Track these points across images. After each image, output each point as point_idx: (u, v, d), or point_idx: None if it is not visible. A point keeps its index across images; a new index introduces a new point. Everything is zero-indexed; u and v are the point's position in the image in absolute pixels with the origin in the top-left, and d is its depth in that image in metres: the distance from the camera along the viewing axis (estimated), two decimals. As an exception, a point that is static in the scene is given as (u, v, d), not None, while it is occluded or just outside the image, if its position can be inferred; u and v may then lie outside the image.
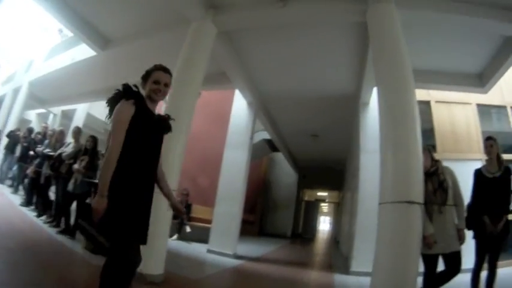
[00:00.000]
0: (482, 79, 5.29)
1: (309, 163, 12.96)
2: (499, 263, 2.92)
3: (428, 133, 5.98)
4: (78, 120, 10.43)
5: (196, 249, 5.83)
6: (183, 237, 6.55)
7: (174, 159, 3.33)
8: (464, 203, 2.82)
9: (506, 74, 4.96)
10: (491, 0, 3.50)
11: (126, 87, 1.64)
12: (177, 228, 6.49)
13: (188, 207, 7.19)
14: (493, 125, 6.79)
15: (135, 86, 1.67)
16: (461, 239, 2.66)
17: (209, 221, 6.19)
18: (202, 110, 6.11)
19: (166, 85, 1.71)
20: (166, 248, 3.32)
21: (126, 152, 1.51)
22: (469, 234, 2.85)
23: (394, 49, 3.09)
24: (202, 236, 6.30)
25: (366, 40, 3.89)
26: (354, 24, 3.89)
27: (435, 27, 4.07)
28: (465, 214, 2.81)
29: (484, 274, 2.91)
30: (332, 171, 12.74)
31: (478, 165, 3.22)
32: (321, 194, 18.42)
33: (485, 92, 5.51)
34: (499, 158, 3.03)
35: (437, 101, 6.40)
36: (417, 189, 2.58)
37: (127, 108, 1.55)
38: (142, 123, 1.58)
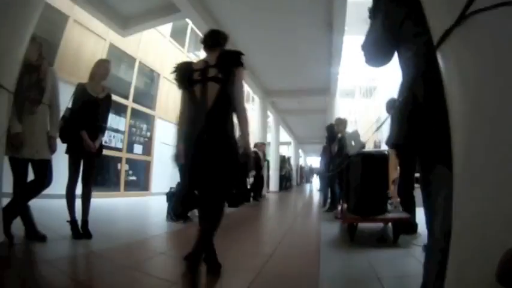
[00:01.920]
0: (126, 23, 5.61)
1: None
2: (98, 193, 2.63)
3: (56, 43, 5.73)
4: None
5: None
6: None
7: None
8: (61, 112, 2.63)
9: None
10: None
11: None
12: None
13: None
14: (120, 71, 7.68)
15: None
16: (51, 148, 2.49)
17: None
18: None
19: None
20: None
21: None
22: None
23: None
24: None
25: None
26: None
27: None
28: (61, 124, 2.65)
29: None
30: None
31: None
32: None
33: (124, 36, 6.07)
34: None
35: (75, 20, 6.00)
36: (9, 75, 1.97)
37: None
38: None
